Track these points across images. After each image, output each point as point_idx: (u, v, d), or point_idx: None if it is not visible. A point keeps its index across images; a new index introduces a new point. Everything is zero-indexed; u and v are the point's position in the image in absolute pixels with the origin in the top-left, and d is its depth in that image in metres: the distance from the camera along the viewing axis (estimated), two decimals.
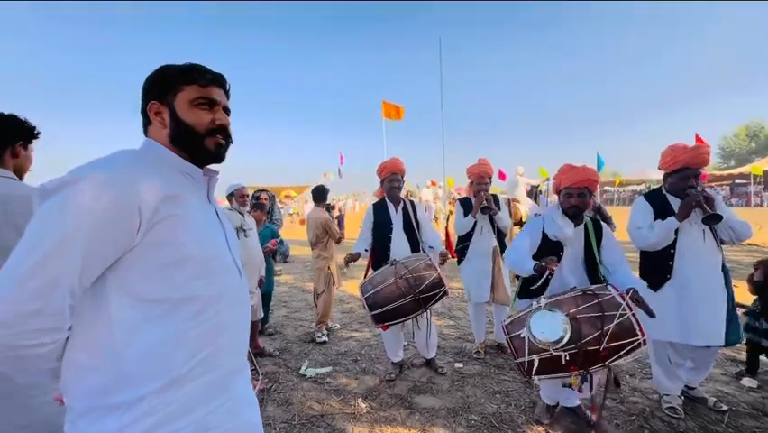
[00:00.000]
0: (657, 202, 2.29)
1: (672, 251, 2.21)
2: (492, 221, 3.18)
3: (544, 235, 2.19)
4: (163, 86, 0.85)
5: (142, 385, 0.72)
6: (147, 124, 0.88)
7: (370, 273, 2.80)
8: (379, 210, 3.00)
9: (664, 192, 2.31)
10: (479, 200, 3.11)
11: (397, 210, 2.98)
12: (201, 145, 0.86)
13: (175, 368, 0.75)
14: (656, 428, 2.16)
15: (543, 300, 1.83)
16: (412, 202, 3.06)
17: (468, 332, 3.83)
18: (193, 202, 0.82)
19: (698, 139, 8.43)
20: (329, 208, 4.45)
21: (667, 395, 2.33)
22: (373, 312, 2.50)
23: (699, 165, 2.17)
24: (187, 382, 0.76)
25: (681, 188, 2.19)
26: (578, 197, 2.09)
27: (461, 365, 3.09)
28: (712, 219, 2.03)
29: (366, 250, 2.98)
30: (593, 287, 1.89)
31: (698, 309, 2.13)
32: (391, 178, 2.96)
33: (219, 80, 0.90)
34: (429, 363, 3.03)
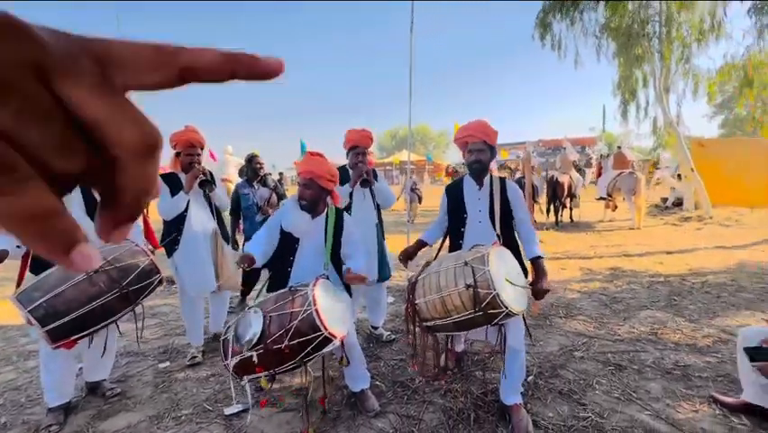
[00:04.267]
0: (342, 174, 2.88)
1: (349, 211, 2.86)
2: (209, 199, 2.85)
3: (283, 228, 2.13)
4: None
5: None
6: None
7: (27, 278, 1.96)
8: None
9: (347, 167, 2.94)
10: (193, 174, 2.68)
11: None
12: None
13: None
14: None
15: (253, 301, 1.84)
16: None
17: (176, 326, 3.43)
18: None
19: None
20: None
21: None
22: (50, 326, 1.74)
23: (364, 145, 2.90)
24: None
25: (354, 163, 2.87)
26: (304, 187, 2.07)
27: (168, 363, 2.75)
28: (365, 184, 2.81)
29: (18, 247, 1.98)
30: (299, 284, 1.89)
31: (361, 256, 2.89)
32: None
33: None
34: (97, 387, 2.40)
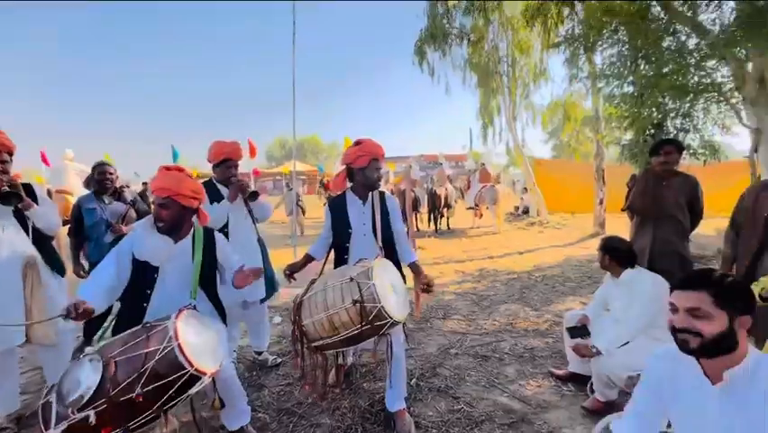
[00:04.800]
0: (210, 190, 2.59)
1: (226, 229, 2.58)
2: (23, 218, 2.14)
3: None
4: None
5: None
6: None
7: None
8: None
9: (214, 181, 2.65)
10: None
11: None
12: None
13: None
14: None
15: (91, 347, 1.48)
16: None
17: None
18: None
19: (250, 143, 10.75)
20: None
21: None
22: None
23: (236, 157, 2.68)
24: None
25: (227, 176, 2.62)
26: (160, 207, 1.76)
27: None
28: (254, 196, 2.65)
29: None
30: (156, 319, 1.60)
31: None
32: None
33: None
34: None
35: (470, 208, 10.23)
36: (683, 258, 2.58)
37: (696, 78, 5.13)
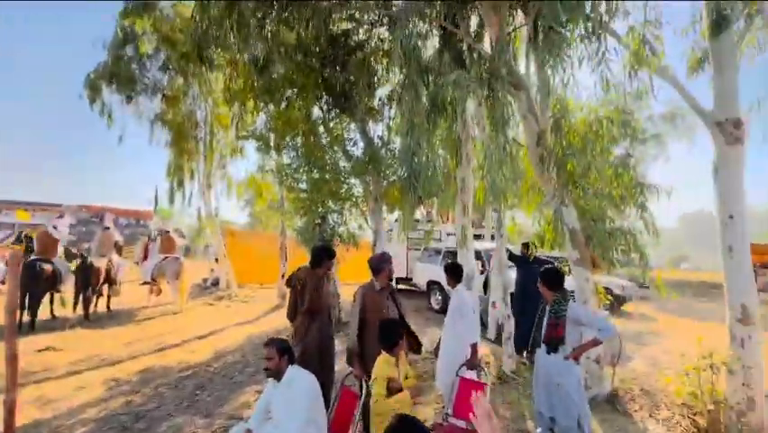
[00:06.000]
0: None
1: None
2: None
3: None
4: None
5: None
6: None
7: None
8: None
9: None
10: None
11: None
12: None
13: None
14: None
15: None
16: None
17: None
18: None
19: None
20: None
21: None
22: None
23: None
24: None
25: None
26: None
27: None
28: None
29: None
30: None
31: None
32: None
33: None
34: None
35: (146, 283, 8.47)
36: (332, 338, 3.29)
37: (345, 189, 7.05)
